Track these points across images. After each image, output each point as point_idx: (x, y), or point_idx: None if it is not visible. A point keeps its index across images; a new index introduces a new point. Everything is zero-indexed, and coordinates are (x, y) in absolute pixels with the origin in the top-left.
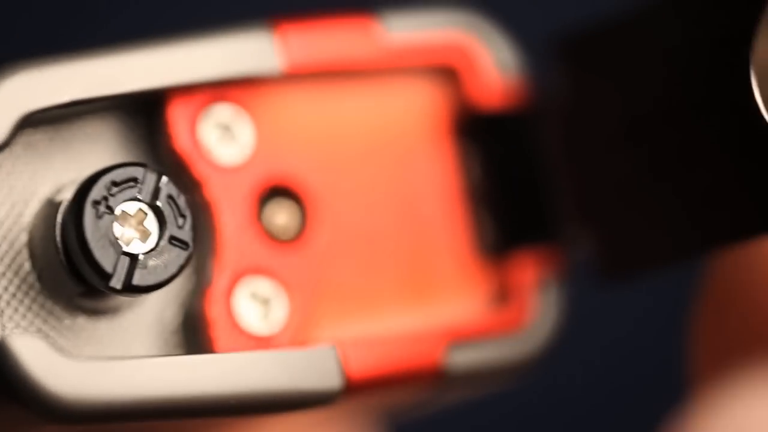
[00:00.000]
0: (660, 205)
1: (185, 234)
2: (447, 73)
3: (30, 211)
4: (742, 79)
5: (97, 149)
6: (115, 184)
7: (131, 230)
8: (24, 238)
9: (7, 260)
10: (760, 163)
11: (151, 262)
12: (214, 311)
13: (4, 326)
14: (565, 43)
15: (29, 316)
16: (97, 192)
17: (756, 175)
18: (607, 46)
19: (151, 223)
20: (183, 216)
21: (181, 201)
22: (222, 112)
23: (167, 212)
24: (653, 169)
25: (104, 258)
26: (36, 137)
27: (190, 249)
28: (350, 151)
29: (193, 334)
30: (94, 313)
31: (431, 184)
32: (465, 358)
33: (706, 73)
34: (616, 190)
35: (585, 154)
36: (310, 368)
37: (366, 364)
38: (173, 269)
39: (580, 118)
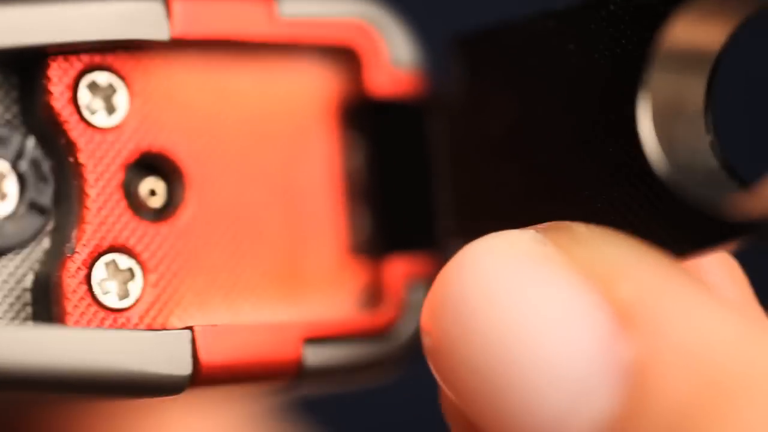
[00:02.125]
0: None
1: (45, 200)
2: (342, 55)
3: None
4: (630, 109)
5: None
6: None
7: None
8: None
9: None
10: (644, 194)
11: (6, 225)
12: (70, 282)
13: None
14: (463, 43)
15: None
16: None
17: (638, 205)
18: (504, 52)
19: (11, 185)
20: (45, 181)
21: (45, 166)
22: (102, 76)
23: (29, 176)
24: (535, 183)
25: None
26: None
27: (49, 216)
28: (233, 129)
29: (47, 303)
30: None
31: (314, 173)
32: (323, 355)
33: (597, 95)
34: (499, 199)
35: (471, 158)
36: (161, 352)
37: (220, 352)
38: (28, 234)
39: (471, 121)
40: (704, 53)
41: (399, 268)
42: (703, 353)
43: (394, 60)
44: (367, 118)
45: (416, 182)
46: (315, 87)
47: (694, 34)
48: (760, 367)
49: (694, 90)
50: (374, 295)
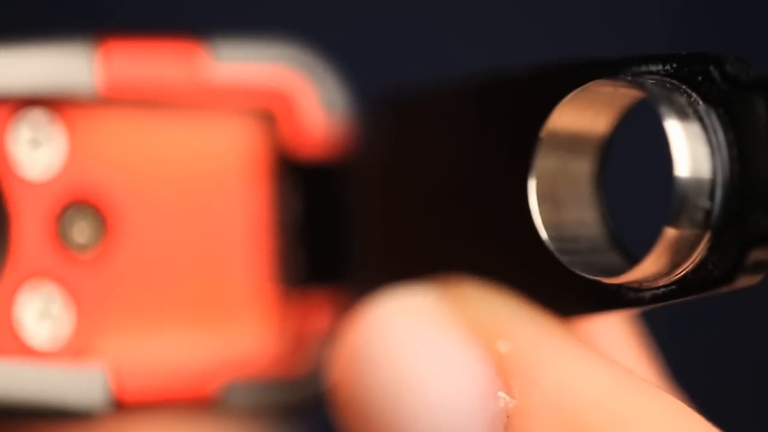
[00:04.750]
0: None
1: None
2: (267, 115)
3: None
4: (522, 184)
5: None
6: None
7: None
8: None
9: None
10: (534, 259)
11: None
12: None
13: None
14: (388, 98)
15: None
16: None
17: (528, 268)
18: (417, 113)
19: None
20: None
21: None
22: (34, 122)
23: None
24: (434, 238)
25: None
26: None
27: None
28: (161, 177)
29: None
30: None
31: (239, 217)
32: (239, 396)
33: (493, 167)
34: (408, 250)
35: (389, 209)
36: (76, 386)
37: (139, 388)
38: None
39: (390, 173)
40: (590, 135)
41: (319, 310)
42: (569, 402)
43: (323, 109)
44: (293, 165)
45: (338, 226)
46: (240, 140)
47: (580, 117)
48: (620, 416)
49: (581, 168)
50: (295, 337)
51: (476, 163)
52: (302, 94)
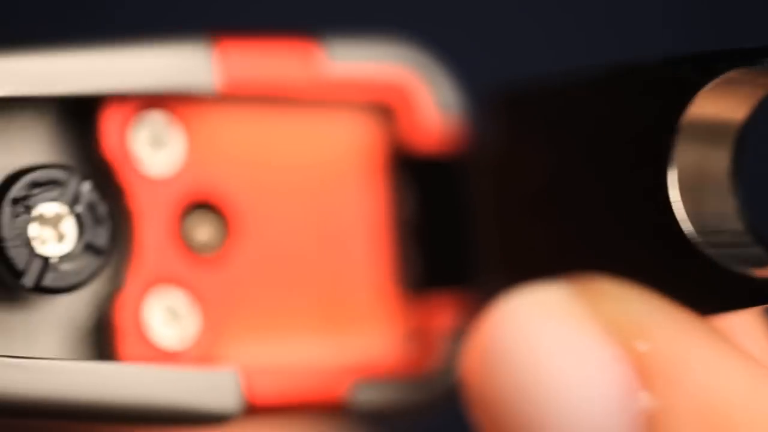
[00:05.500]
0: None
1: (101, 241)
2: (384, 111)
3: None
4: (660, 176)
5: (25, 144)
6: (36, 184)
7: (48, 232)
8: None
9: None
10: (672, 254)
11: (65, 266)
12: (123, 319)
13: None
14: (504, 95)
15: None
16: (17, 191)
17: (666, 264)
18: (540, 110)
19: (69, 227)
20: (101, 224)
21: (101, 209)
22: (154, 123)
23: (86, 218)
24: (567, 238)
25: (17, 256)
26: None
27: (105, 257)
28: (281, 174)
29: (101, 339)
30: (4, 306)
31: (359, 216)
32: (371, 395)
33: (628, 160)
34: (536, 249)
35: (511, 207)
36: (209, 389)
37: (268, 392)
38: (85, 275)
39: (509, 171)
40: (728, 124)
41: (442, 309)
42: (715, 402)
43: (440, 109)
44: (412, 164)
45: (460, 226)
46: (358, 136)
47: (719, 106)
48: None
49: (719, 158)
50: (420, 337)
51: (603, 156)
52: (417, 90)
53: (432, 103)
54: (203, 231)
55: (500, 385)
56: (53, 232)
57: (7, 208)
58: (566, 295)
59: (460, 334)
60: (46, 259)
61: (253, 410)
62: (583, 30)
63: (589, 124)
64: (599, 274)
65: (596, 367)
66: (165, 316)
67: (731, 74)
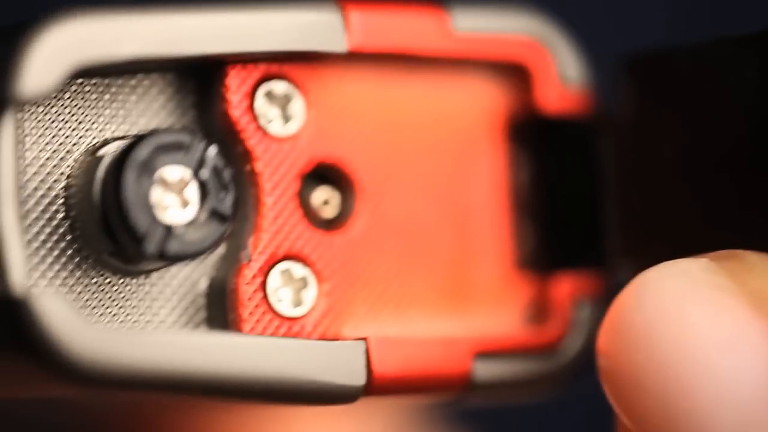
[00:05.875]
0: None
1: (226, 208)
2: (512, 71)
3: (71, 160)
4: None
5: (148, 108)
6: (161, 148)
7: (172, 197)
8: (61, 186)
9: (41, 206)
10: None
11: (187, 232)
12: (246, 289)
13: (30, 275)
14: (632, 64)
15: (56, 266)
16: (141, 153)
17: None
18: (675, 75)
19: (193, 192)
20: (226, 189)
21: (226, 174)
22: (278, 86)
23: (210, 184)
24: (707, 208)
25: (140, 222)
26: (87, 87)
27: (229, 224)
28: (404, 142)
29: (222, 309)
30: (124, 273)
31: (482, 188)
32: (492, 369)
33: (764, 126)
34: (668, 224)
35: (641, 180)
36: (336, 362)
37: (393, 364)
38: (208, 242)
39: (640, 143)
40: None
41: (565, 285)
42: None
43: (563, 78)
44: (535, 134)
45: (583, 200)
46: (485, 102)
47: None
48: None
49: None
50: (541, 311)
51: (754, 122)
52: (541, 59)
53: (558, 71)
54: (325, 200)
55: (642, 360)
56: (177, 198)
57: (132, 171)
58: (710, 269)
59: (584, 307)
60: (168, 226)
61: (380, 383)
62: None
63: (730, 85)
64: (740, 245)
65: (743, 343)
66: (287, 286)
67: None
